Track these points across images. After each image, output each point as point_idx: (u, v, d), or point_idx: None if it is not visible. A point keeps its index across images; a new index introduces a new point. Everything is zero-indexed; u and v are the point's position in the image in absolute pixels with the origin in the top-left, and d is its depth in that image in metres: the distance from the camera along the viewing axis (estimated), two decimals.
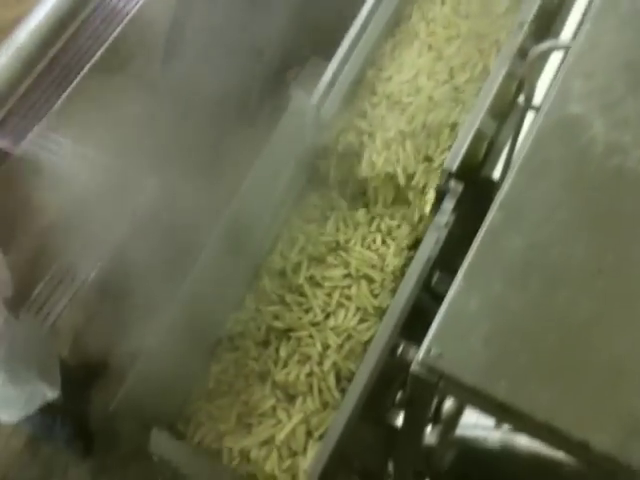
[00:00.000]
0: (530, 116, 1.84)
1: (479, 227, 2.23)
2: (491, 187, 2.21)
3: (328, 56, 2.48)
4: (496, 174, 2.24)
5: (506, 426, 1.49)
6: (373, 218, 2.39)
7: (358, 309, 2.22)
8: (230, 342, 2.27)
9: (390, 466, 2.88)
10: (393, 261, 2.26)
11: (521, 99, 1.85)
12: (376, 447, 2.79)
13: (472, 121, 2.24)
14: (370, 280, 2.25)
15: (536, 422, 0.98)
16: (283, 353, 2.19)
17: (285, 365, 2.18)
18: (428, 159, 2.41)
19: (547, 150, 1.18)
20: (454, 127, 2.41)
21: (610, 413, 0.97)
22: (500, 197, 1.13)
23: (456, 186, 2.22)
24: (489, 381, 1.00)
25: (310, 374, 2.17)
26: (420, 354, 1.04)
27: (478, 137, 2.22)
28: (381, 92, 2.50)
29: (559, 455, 1.30)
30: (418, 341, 2.35)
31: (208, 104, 2.93)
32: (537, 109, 1.92)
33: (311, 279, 2.28)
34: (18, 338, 2.67)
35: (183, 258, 2.27)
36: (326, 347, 2.17)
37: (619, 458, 0.94)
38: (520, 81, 2.21)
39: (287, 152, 2.27)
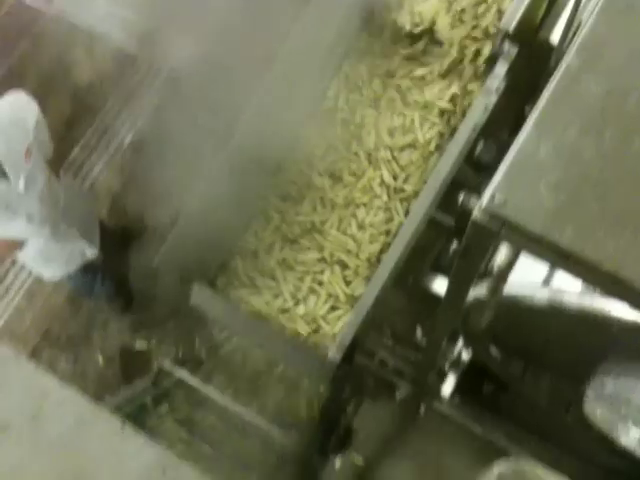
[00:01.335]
0: None
1: (530, 96, 2.16)
2: (548, 51, 2.10)
3: None
4: (554, 37, 2.12)
5: (555, 284, 1.49)
6: (410, 60, 2.28)
7: (330, 296, 2.12)
8: None
9: (419, 331, 2.97)
10: (369, 247, 2.13)
11: None
12: (407, 312, 2.86)
13: None
14: (344, 266, 2.14)
15: (600, 271, 0.97)
16: None
17: None
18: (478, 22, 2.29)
19: None
20: None
21: None
22: (579, 39, 1.06)
23: (510, 49, 2.12)
24: (555, 229, 0.98)
25: None
26: (483, 201, 1.01)
27: None
28: None
29: (609, 313, 1.31)
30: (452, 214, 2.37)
31: None
32: None
33: (283, 262, 2.17)
34: (60, 196, 2.71)
35: (218, 120, 2.23)
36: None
37: None
38: None
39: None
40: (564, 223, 0.99)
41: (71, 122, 3.52)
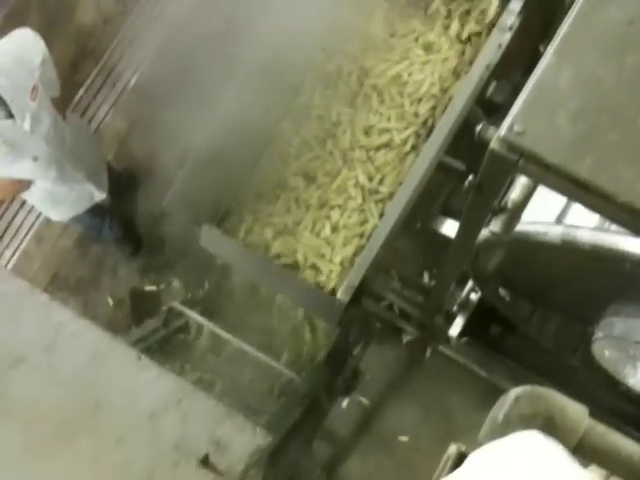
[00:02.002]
0: None
1: (545, 35, 2.10)
2: None
3: None
4: None
5: (568, 221, 1.48)
6: None
7: None
8: None
9: (426, 275, 2.98)
10: (342, 251, 2.07)
11: None
12: (415, 256, 2.86)
13: None
14: (317, 271, 2.09)
15: (618, 202, 0.96)
16: None
17: None
18: None
19: None
20: None
21: None
22: None
23: None
24: (573, 159, 0.97)
25: None
26: (502, 131, 0.99)
27: None
28: None
29: (624, 249, 1.30)
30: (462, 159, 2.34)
31: None
32: None
33: None
34: (66, 137, 2.68)
35: (225, 60, 2.19)
36: None
37: None
38: None
39: None
40: (583, 154, 0.97)
41: (75, 64, 3.46)
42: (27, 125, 2.37)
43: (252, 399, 2.20)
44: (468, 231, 1.46)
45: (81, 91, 3.48)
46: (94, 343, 1.24)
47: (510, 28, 2.09)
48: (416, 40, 2.23)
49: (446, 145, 2.07)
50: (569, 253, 1.41)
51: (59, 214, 3.00)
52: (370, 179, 2.14)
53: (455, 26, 2.18)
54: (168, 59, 3.33)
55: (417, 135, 2.14)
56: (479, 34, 2.18)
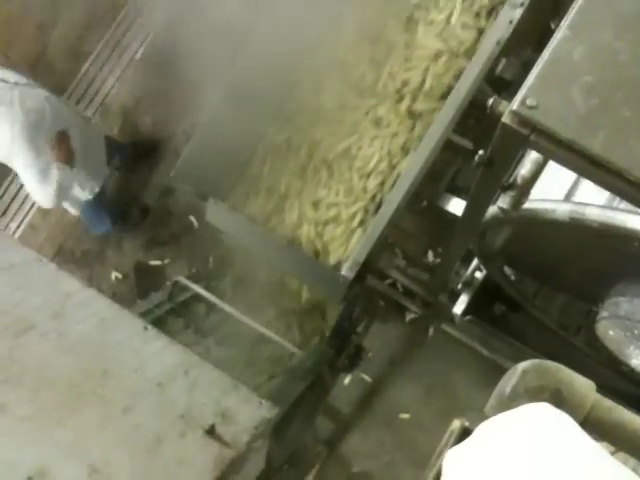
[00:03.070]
0: None
1: (556, 11, 2.08)
2: None
3: None
4: None
5: (576, 199, 1.48)
6: None
7: None
8: None
9: (431, 253, 2.98)
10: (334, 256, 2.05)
11: None
12: (420, 235, 2.86)
13: None
14: None
15: (629, 179, 0.96)
16: None
17: None
18: None
19: None
20: None
21: None
22: None
23: None
24: (585, 134, 0.96)
25: None
26: (514, 105, 0.98)
27: None
28: None
29: (632, 227, 1.29)
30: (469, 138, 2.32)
31: None
32: None
33: None
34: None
35: (232, 30, 2.18)
36: None
37: None
38: None
39: None
40: (596, 129, 0.96)
41: (82, 35, 3.43)
42: None
43: (254, 374, 2.22)
44: (476, 207, 1.46)
45: (87, 63, 3.45)
46: (101, 312, 1.24)
47: (521, 4, 2.06)
48: (366, 114, 2.17)
49: (454, 123, 2.05)
50: (577, 231, 1.41)
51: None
52: (317, 255, 2.11)
53: (406, 101, 2.13)
54: (175, 31, 3.30)
55: (365, 210, 2.10)
56: (431, 110, 2.12)
